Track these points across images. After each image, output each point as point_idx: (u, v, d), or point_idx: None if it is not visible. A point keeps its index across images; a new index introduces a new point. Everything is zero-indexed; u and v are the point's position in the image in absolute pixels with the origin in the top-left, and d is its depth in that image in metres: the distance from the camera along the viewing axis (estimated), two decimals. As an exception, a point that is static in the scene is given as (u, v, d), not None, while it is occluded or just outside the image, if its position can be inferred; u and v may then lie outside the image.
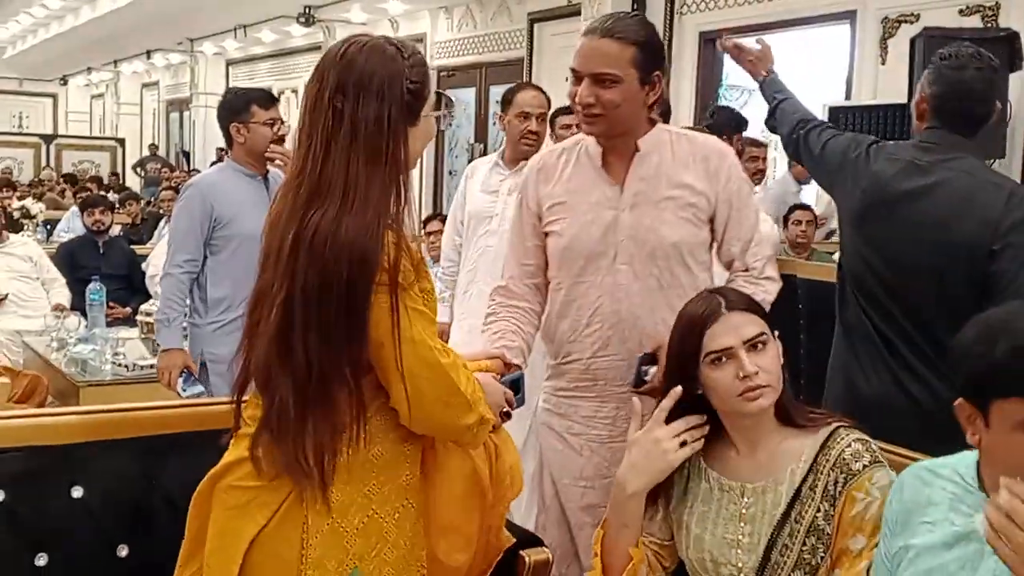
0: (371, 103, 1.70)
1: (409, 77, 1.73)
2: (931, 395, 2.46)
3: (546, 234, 2.45)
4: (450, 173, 11.00)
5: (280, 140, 3.69)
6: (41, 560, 2.15)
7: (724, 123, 4.72)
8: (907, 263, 2.54)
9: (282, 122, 3.75)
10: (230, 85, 16.68)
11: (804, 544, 1.78)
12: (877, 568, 1.67)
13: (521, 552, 2.20)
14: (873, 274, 2.58)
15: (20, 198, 10.70)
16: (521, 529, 2.39)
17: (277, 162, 3.67)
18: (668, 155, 2.40)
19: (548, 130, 3.88)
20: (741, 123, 4.99)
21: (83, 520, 2.18)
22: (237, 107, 3.68)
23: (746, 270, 2.45)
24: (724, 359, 1.84)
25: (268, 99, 3.75)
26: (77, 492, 2.21)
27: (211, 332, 3.65)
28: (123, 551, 2.18)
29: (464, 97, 10.51)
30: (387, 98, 1.70)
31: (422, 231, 6.34)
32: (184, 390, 3.59)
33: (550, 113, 3.95)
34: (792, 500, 1.81)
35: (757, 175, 5.42)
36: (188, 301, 3.71)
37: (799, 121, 2.87)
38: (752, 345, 1.85)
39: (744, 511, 1.86)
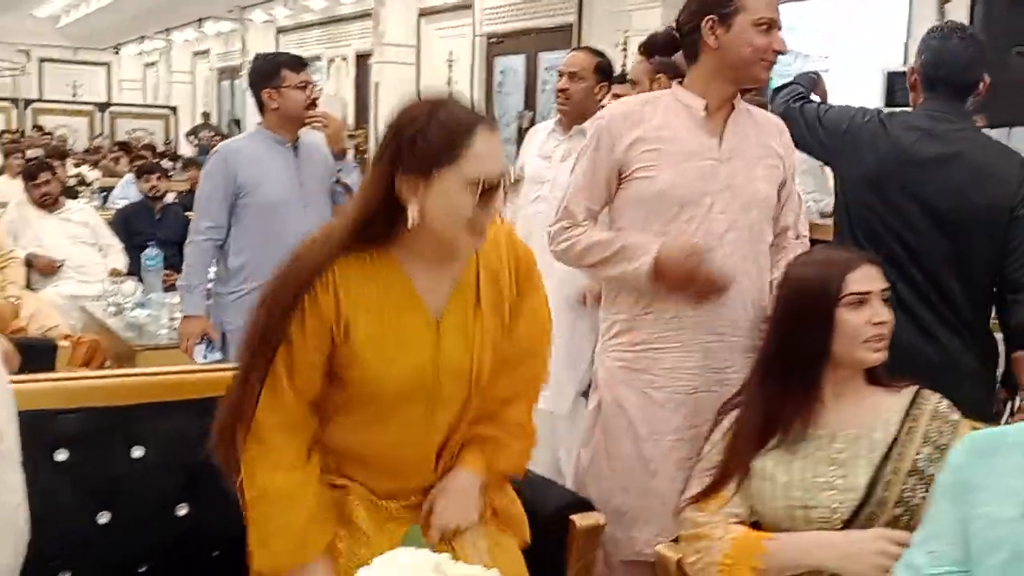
0: None
1: None
2: (946, 354, 2.59)
3: (624, 181, 2.42)
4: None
5: (312, 104, 3.67)
6: (103, 518, 2.21)
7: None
8: (928, 226, 2.63)
9: (313, 85, 3.72)
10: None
11: (905, 483, 1.85)
12: (940, 536, 1.65)
13: (571, 516, 2.24)
14: (894, 236, 2.65)
15: (76, 165, 10.88)
16: (571, 493, 2.42)
17: (316, 124, 3.67)
18: (752, 118, 2.49)
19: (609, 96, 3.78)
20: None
21: (143, 480, 2.24)
22: (268, 72, 3.66)
23: (797, 237, 2.56)
24: (861, 303, 1.92)
25: (298, 62, 3.71)
26: (137, 452, 2.26)
27: (231, 302, 3.65)
28: (182, 510, 2.23)
29: (513, 64, 10.48)
30: None
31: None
32: (205, 357, 3.61)
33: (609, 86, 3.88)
34: (892, 443, 1.89)
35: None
36: (213, 269, 3.73)
37: (797, 94, 2.97)
38: (883, 299, 1.95)
39: (835, 456, 1.90)
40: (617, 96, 3.98)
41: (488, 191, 1.73)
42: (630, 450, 2.46)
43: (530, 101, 10.28)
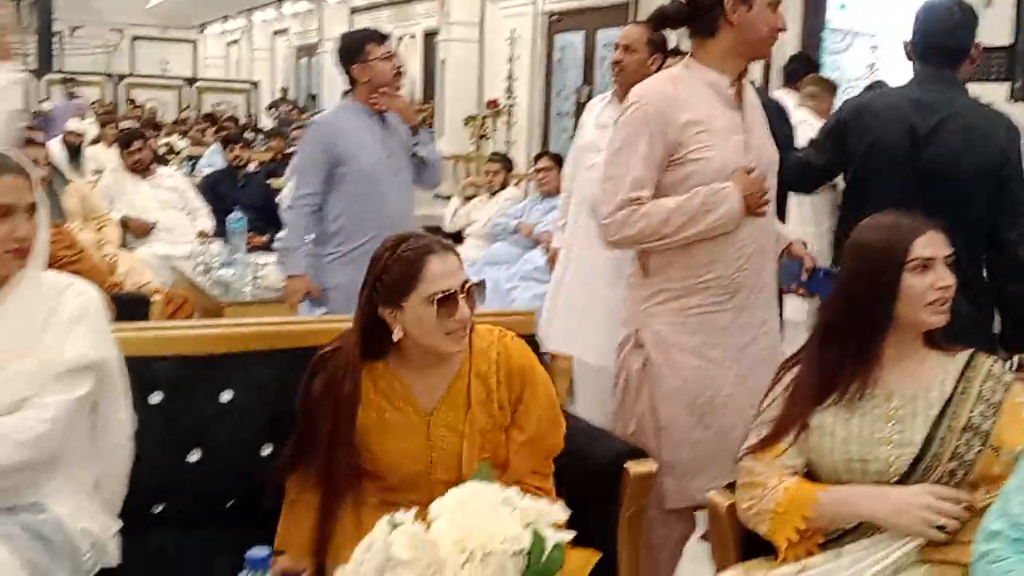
0: None
1: None
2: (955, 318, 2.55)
3: (674, 164, 2.39)
4: (557, 115, 10.91)
5: (399, 73, 3.72)
6: (194, 456, 2.27)
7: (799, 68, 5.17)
8: (926, 193, 2.62)
9: (397, 55, 3.76)
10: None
11: (960, 439, 1.83)
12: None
13: (624, 464, 2.24)
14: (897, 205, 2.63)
15: (166, 135, 11.02)
16: (623, 442, 2.43)
17: (382, 102, 3.68)
18: (748, 89, 2.52)
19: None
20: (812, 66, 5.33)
21: (230, 422, 2.28)
22: (354, 49, 3.69)
23: None
24: (926, 268, 1.90)
25: (380, 36, 3.76)
26: (225, 396, 2.30)
27: (327, 263, 3.70)
28: (266, 450, 2.28)
29: (572, 41, 10.38)
30: None
31: (532, 167, 6.38)
32: (312, 311, 3.68)
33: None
34: (947, 402, 1.87)
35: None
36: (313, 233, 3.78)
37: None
38: (947, 264, 1.93)
39: (892, 413, 1.88)
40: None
41: (447, 301, 1.93)
42: (684, 407, 2.46)
43: (588, 76, 10.17)
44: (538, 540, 1.14)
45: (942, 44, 2.71)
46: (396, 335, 1.98)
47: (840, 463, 1.90)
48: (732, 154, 2.38)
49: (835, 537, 1.86)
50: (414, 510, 1.22)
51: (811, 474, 1.96)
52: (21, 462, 1.83)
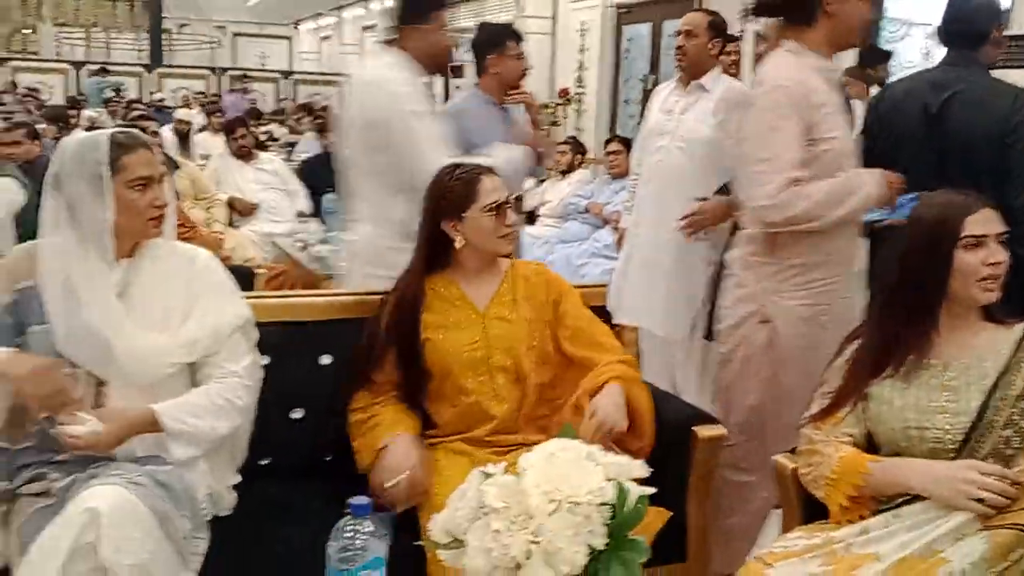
0: None
1: None
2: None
3: (810, 142, 2.37)
4: (625, 102, 10.79)
5: (524, 74, 3.59)
6: (296, 414, 2.32)
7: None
8: (947, 169, 2.58)
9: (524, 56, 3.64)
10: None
11: (1014, 407, 1.78)
12: None
13: (694, 428, 2.22)
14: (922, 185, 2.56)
15: (265, 124, 11.18)
16: (692, 406, 2.40)
17: (517, 98, 3.61)
18: None
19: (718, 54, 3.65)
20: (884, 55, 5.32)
21: (329, 382, 2.32)
22: (494, 40, 3.55)
23: None
24: (978, 245, 1.85)
25: (518, 35, 3.63)
26: (325, 359, 2.35)
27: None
28: (362, 410, 2.29)
29: (639, 32, 10.24)
30: None
31: (603, 151, 6.34)
32: None
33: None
34: (1002, 372, 1.82)
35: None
36: None
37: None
38: (999, 241, 1.87)
39: (948, 383, 1.84)
40: (727, 53, 3.88)
41: (500, 209, 2.18)
42: (808, 375, 2.43)
43: (654, 65, 10.04)
44: (622, 492, 1.14)
45: (962, 28, 2.70)
46: (458, 244, 2.20)
47: (898, 432, 1.86)
48: (848, 134, 2.43)
49: (895, 504, 1.82)
50: (503, 464, 1.23)
51: (871, 443, 1.92)
52: (234, 427, 1.96)
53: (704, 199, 3.23)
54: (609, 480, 1.13)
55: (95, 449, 1.78)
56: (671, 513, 1.97)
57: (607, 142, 6.53)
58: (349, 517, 1.36)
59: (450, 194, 2.21)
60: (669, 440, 2.18)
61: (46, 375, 1.79)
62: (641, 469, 1.20)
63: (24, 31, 19.63)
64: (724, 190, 3.15)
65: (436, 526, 1.27)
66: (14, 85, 15.45)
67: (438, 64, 3.09)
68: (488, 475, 1.20)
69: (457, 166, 2.29)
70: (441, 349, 2.20)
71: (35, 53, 19.42)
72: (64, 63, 17.62)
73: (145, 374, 1.90)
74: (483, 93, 3.54)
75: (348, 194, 3.04)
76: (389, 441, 2.09)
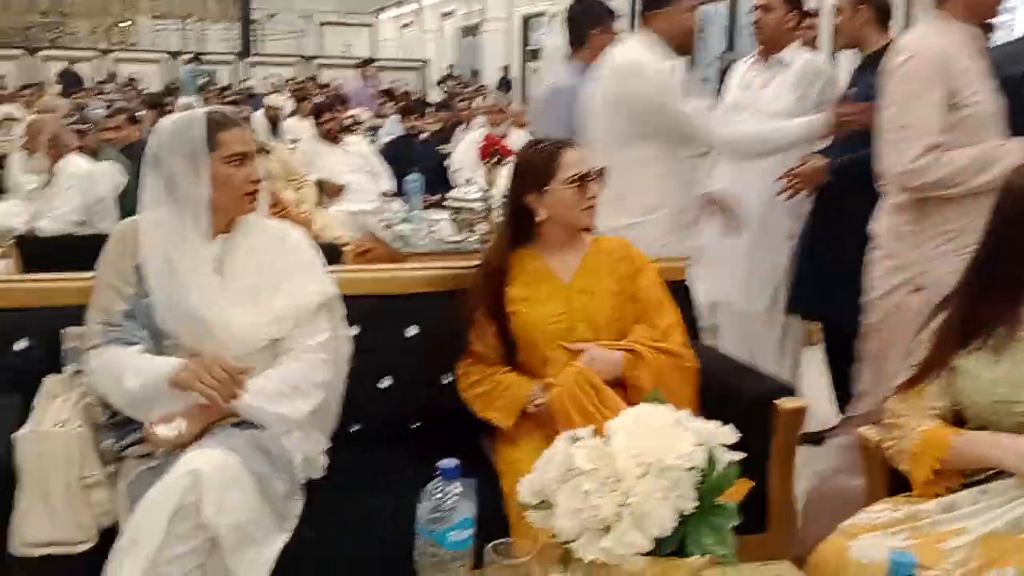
0: None
1: None
2: None
3: (952, 106, 2.34)
4: (702, 80, 10.60)
5: None
6: (384, 383, 2.34)
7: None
8: None
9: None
10: (514, 11, 16.73)
11: None
12: None
13: (774, 400, 2.17)
14: None
15: (350, 109, 11.26)
16: (773, 379, 2.35)
17: None
18: None
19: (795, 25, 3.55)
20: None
21: (415, 353, 2.34)
22: (599, 16, 3.60)
23: None
24: None
25: (613, 15, 3.66)
26: (411, 331, 2.36)
27: None
28: (446, 379, 2.32)
29: (715, 11, 10.05)
30: None
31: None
32: None
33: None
34: None
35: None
36: None
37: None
38: None
39: None
40: (808, 28, 3.75)
41: (583, 182, 2.15)
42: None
43: (731, 43, 9.85)
44: (712, 457, 1.11)
45: None
46: (540, 216, 2.18)
47: (985, 405, 1.78)
48: (992, 98, 2.37)
49: (982, 478, 1.75)
50: (591, 427, 1.22)
51: (958, 415, 1.84)
52: (314, 404, 1.97)
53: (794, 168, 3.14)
54: (698, 445, 1.11)
55: (180, 448, 1.79)
56: (752, 483, 1.93)
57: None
58: (438, 479, 1.36)
59: (532, 167, 2.20)
60: (749, 412, 2.12)
61: (214, 369, 1.81)
62: (730, 434, 1.17)
63: (123, 24, 20.23)
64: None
65: (524, 487, 1.26)
66: (114, 75, 15.94)
67: (685, 45, 3.11)
68: (576, 438, 1.18)
69: (540, 140, 2.27)
70: (527, 322, 2.18)
71: (133, 44, 19.99)
72: (160, 53, 18.09)
73: (238, 349, 1.93)
74: (581, 65, 3.51)
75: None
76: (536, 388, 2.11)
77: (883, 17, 3.17)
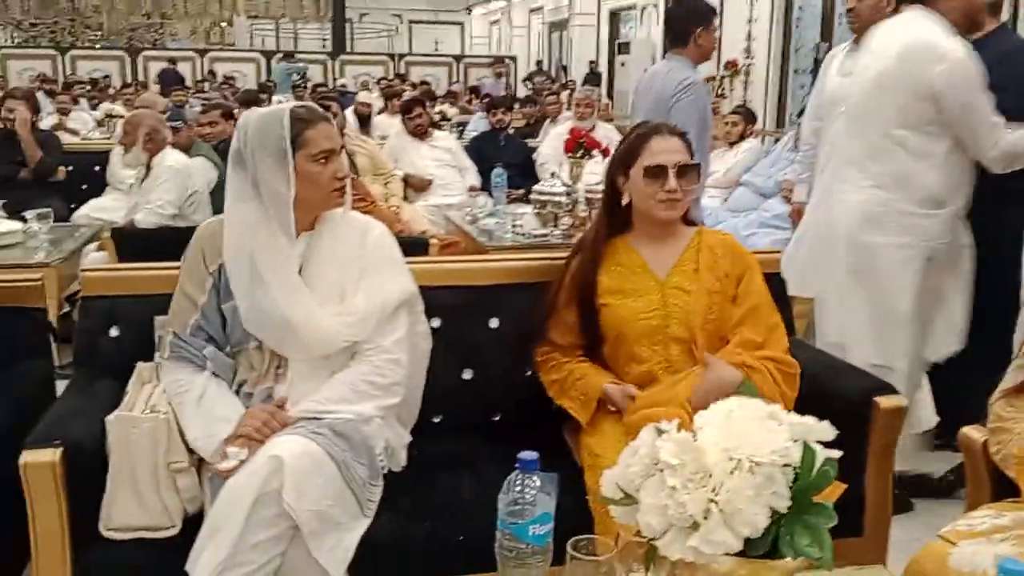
0: None
1: None
2: None
3: None
4: (795, 72, 10.32)
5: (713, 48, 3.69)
6: (466, 375, 2.32)
7: None
8: None
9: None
10: (602, 5, 16.61)
11: None
12: None
13: (875, 398, 2.07)
14: None
15: (439, 105, 11.36)
16: (873, 377, 2.24)
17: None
18: None
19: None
20: None
21: (498, 345, 2.31)
22: (704, 14, 3.67)
23: None
24: None
25: (715, 13, 3.74)
26: (494, 323, 2.33)
27: None
28: (528, 372, 2.27)
29: (811, 0, 9.76)
30: None
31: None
32: None
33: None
34: None
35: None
36: None
37: None
38: None
39: None
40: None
41: (658, 172, 2.06)
42: None
43: (826, 33, 9.55)
44: (809, 453, 1.04)
45: None
46: (623, 200, 2.13)
47: None
48: None
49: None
50: (676, 420, 1.16)
51: None
52: (384, 405, 1.93)
53: None
54: (794, 441, 1.04)
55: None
56: (846, 485, 1.84)
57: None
58: (519, 471, 1.33)
59: (625, 147, 2.15)
60: (846, 411, 2.03)
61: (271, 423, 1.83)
62: (827, 431, 1.10)
63: (221, 24, 20.81)
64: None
65: (607, 481, 1.21)
66: (212, 74, 16.42)
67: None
68: (662, 431, 1.13)
69: (644, 123, 2.22)
70: (617, 315, 2.10)
71: (231, 44, 20.55)
72: (256, 52, 18.56)
73: (321, 349, 1.92)
74: (685, 59, 3.53)
75: (835, 153, 3.02)
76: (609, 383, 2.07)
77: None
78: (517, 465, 1.33)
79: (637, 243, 2.17)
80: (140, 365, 2.03)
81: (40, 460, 1.74)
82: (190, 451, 1.87)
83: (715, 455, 1.04)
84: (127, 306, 2.17)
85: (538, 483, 1.31)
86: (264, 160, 1.87)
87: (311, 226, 1.97)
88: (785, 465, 1.04)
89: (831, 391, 2.09)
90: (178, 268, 2.02)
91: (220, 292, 1.94)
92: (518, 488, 1.32)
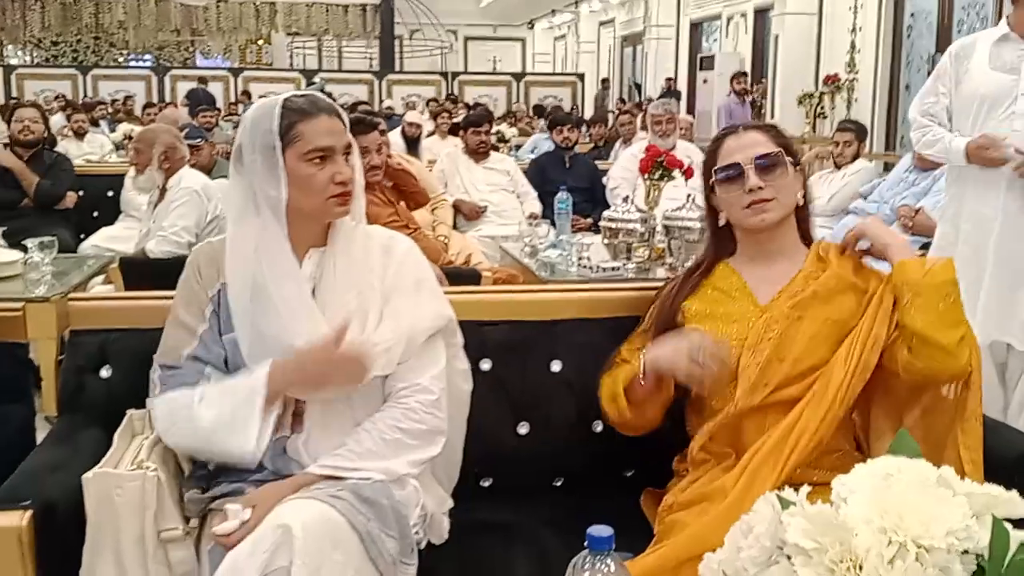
0: None
1: None
2: None
3: None
4: (906, 88, 10.09)
5: None
6: (523, 429, 2.18)
7: None
8: None
9: None
10: (682, 16, 16.60)
11: None
12: None
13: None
14: None
15: (497, 126, 11.36)
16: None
17: None
18: None
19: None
20: None
21: (561, 393, 2.17)
22: None
23: None
24: None
25: None
26: (556, 366, 2.20)
27: None
28: (599, 427, 2.13)
29: (925, 7, 9.55)
30: None
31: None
32: None
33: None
34: None
35: None
36: None
37: None
38: None
39: None
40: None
41: (732, 172, 1.94)
42: None
43: (942, 44, 9.31)
44: (1001, 534, 0.85)
45: None
46: (721, 220, 2.02)
47: None
48: None
49: None
50: (807, 488, 0.97)
51: None
52: (421, 459, 1.80)
53: None
54: (975, 516, 0.85)
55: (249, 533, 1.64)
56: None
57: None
58: (589, 551, 1.19)
59: (704, 159, 2.04)
60: (999, 476, 1.82)
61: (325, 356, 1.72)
62: (1019, 503, 0.91)
63: (258, 42, 21.30)
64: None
65: (708, 569, 1.02)
66: (247, 95, 16.74)
67: None
68: (788, 502, 0.94)
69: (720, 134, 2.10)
70: None
71: (269, 64, 21.00)
72: (295, 72, 18.91)
73: (342, 388, 1.79)
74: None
75: None
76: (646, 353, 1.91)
77: None
78: (586, 543, 1.19)
79: (742, 265, 2.03)
80: (132, 413, 1.93)
81: (4, 524, 1.64)
82: (187, 518, 1.75)
83: (867, 536, 0.85)
84: (121, 342, 2.09)
85: (612, 568, 1.17)
86: (255, 159, 1.78)
87: (323, 241, 1.86)
88: (965, 552, 0.84)
89: (986, 453, 1.88)
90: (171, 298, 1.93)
91: (220, 320, 1.83)
92: (587, 571, 1.18)
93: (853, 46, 10.51)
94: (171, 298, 2.04)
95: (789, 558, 0.87)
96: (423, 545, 1.82)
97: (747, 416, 1.85)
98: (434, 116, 9.64)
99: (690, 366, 1.80)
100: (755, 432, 1.83)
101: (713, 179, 1.97)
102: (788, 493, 0.96)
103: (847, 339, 1.84)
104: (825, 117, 10.68)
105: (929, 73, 8.68)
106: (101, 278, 4.04)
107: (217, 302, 1.85)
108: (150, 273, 3.77)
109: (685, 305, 2.00)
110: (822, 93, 10.88)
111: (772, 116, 11.65)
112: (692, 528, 1.72)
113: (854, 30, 10.47)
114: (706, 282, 2.03)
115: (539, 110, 14.83)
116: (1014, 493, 0.91)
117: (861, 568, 0.83)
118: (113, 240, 4.92)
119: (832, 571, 0.84)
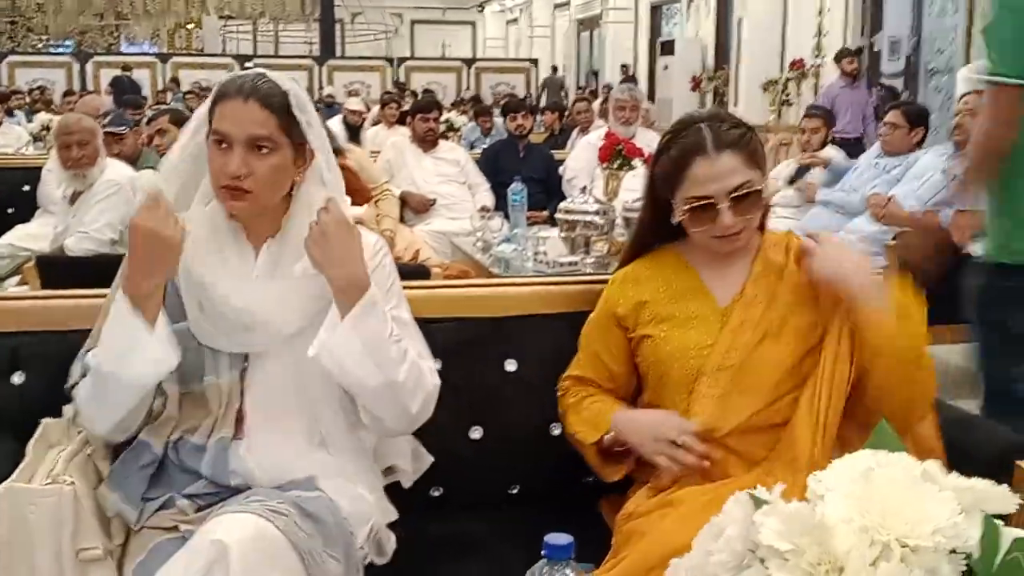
0: None
1: None
2: None
3: None
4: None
5: None
6: (475, 433, 2.17)
7: None
8: None
9: None
10: (638, 1, 16.72)
11: None
12: None
13: (1018, 461, 1.88)
14: None
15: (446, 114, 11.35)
16: (1008, 433, 2.05)
17: None
18: None
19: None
20: None
21: (516, 395, 2.16)
22: None
23: None
24: None
25: None
26: (511, 366, 2.19)
27: None
28: (557, 430, 2.13)
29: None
30: None
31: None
32: None
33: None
34: None
35: None
36: None
37: None
38: None
39: None
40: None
41: (702, 207, 1.85)
42: None
43: (916, 27, 9.46)
44: (991, 531, 0.84)
45: None
46: (674, 218, 1.93)
47: None
48: None
49: None
50: (781, 485, 0.96)
51: None
52: (415, 414, 1.84)
53: None
54: (962, 512, 0.84)
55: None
56: None
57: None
58: (546, 561, 1.19)
59: (665, 163, 1.94)
60: (987, 473, 1.85)
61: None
62: (1008, 498, 0.90)
63: (188, 26, 21.08)
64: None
65: (677, 574, 1.01)
66: (176, 82, 16.57)
67: None
68: (761, 501, 0.92)
69: (695, 119, 1.99)
70: (662, 352, 1.93)
71: (199, 50, 20.80)
72: (228, 58, 18.74)
73: (299, 323, 1.80)
74: None
75: None
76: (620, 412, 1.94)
77: None
78: (544, 552, 1.20)
79: (692, 256, 2.00)
80: (46, 422, 1.88)
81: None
82: (107, 534, 1.72)
83: (848, 536, 0.83)
84: (36, 345, 2.04)
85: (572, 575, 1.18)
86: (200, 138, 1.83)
87: (273, 231, 1.85)
88: (952, 551, 0.83)
89: (963, 450, 1.92)
90: (105, 296, 1.88)
91: (169, 311, 1.80)
92: (545, 583, 1.18)
93: (819, 30, 10.64)
94: (89, 297, 2.03)
95: (763, 562, 0.86)
96: (367, 561, 1.80)
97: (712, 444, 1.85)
98: (382, 104, 9.59)
99: (660, 455, 1.82)
100: (721, 463, 1.84)
101: (677, 205, 1.90)
102: (761, 491, 0.95)
103: (807, 390, 1.83)
104: (791, 104, 10.80)
105: (907, 59, 8.74)
106: (16, 279, 3.97)
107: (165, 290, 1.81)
108: (70, 273, 3.70)
109: (643, 305, 1.97)
110: (787, 79, 11.00)
111: (735, 104, 11.76)
112: (653, 534, 1.71)
113: (821, 12, 10.60)
114: (657, 277, 2.00)
115: (476, 100, 14.86)
116: (1004, 487, 0.90)
117: (842, 571, 0.82)
118: (30, 238, 4.81)
119: (810, 575, 0.83)
